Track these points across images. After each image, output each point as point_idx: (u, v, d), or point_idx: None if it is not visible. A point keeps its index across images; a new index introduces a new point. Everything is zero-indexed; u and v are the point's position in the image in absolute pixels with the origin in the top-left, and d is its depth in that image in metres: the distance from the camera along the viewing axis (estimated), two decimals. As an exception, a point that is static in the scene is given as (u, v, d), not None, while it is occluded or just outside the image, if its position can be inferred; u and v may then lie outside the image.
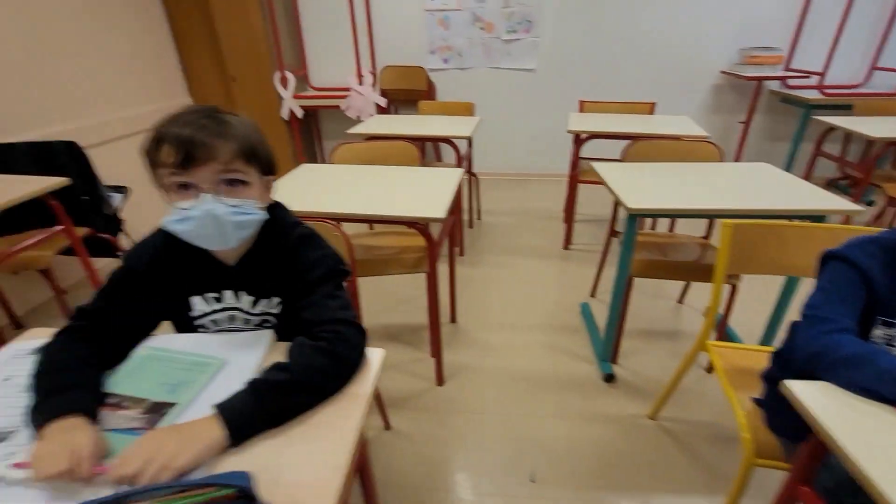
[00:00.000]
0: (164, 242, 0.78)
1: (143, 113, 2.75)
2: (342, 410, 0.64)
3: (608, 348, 1.75)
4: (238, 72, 3.26)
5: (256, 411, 0.60)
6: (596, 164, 1.72)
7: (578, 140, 2.48)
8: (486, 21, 3.46)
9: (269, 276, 0.80)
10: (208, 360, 0.73)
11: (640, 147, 1.95)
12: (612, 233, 2.03)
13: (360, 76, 3.35)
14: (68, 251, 1.85)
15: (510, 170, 3.95)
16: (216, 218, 0.69)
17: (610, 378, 1.71)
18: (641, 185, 1.53)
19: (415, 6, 3.45)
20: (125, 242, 2.20)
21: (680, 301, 2.19)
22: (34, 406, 0.61)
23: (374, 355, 0.74)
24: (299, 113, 3.41)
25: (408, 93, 3.56)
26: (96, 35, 2.50)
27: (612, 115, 2.76)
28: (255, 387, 0.62)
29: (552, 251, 2.73)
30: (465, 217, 2.96)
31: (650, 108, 2.78)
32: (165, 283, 0.78)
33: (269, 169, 0.79)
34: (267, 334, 0.79)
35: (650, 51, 3.41)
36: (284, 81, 3.32)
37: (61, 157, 1.95)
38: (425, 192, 1.50)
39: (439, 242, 1.55)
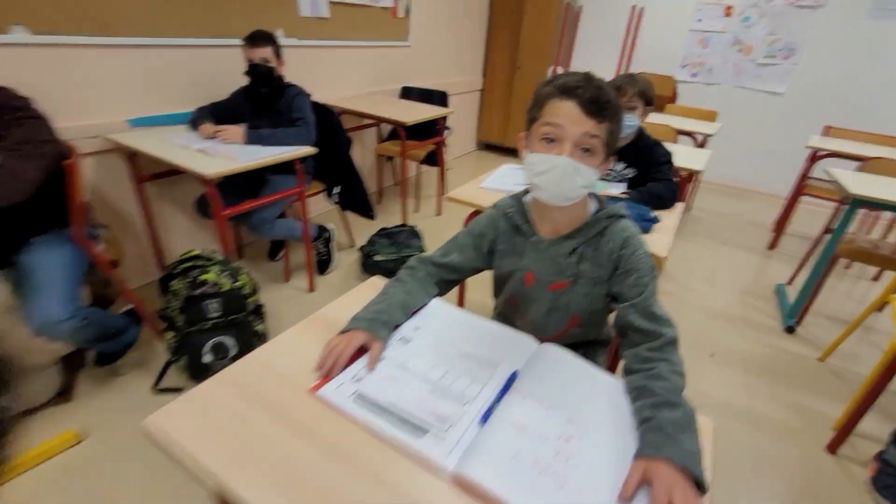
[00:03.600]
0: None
1: (456, 82, 4.05)
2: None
3: (796, 309, 2.22)
4: (523, 62, 4.34)
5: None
6: (832, 169, 2.17)
7: (813, 158, 2.83)
8: (746, 45, 3.85)
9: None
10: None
11: (880, 164, 2.30)
12: (826, 230, 2.42)
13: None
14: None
15: (729, 181, 4.27)
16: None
17: (791, 330, 2.19)
18: (867, 182, 1.96)
19: (682, 26, 4.04)
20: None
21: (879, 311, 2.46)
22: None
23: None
24: (558, 99, 4.37)
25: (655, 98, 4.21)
26: (458, 19, 3.84)
27: (857, 142, 2.98)
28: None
29: (756, 249, 3.13)
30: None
31: (904, 144, 2.90)
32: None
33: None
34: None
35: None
36: (554, 73, 4.29)
37: (435, 98, 3.22)
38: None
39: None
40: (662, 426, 0.60)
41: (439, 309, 0.89)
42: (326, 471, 0.57)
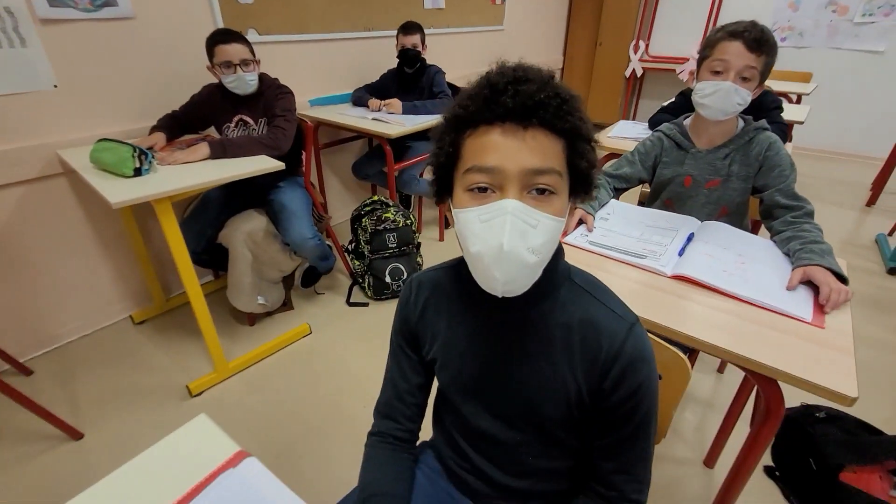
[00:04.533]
0: None
1: (539, 63, 4.33)
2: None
3: (898, 253, 2.34)
4: (604, 39, 4.53)
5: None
6: None
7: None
8: (841, 4, 3.80)
9: None
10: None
11: None
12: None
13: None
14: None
15: (824, 146, 4.23)
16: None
17: (893, 271, 2.32)
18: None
19: (770, -10, 4.05)
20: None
21: None
22: None
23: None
24: (640, 72, 4.51)
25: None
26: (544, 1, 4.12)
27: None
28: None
29: (854, 206, 3.18)
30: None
31: None
32: None
33: None
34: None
35: None
36: (636, 48, 4.44)
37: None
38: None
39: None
40: (813, 249, 0.91)
41: (619, 204, 1.25)
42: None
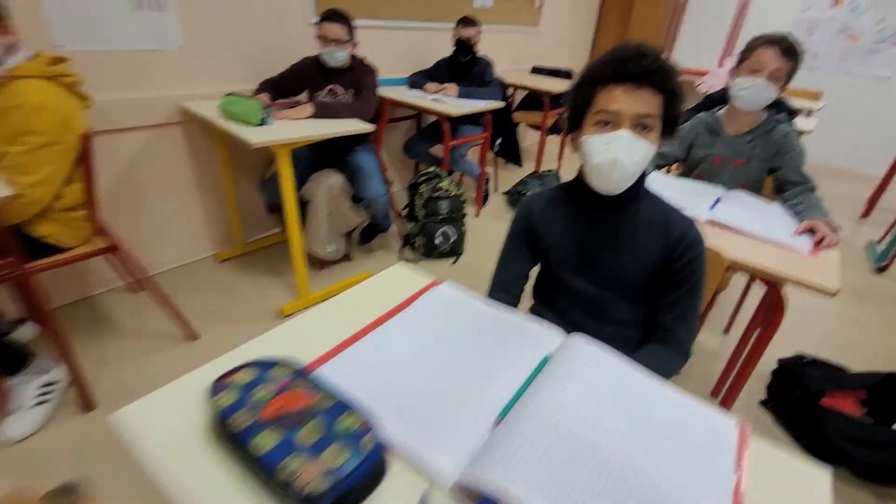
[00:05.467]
0: None
1: (568, 65, 4.60)
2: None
3: (884, 256, 2.63)
4: (630, 47, 4.82)
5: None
6: None
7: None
8: (854, 31, 4.11)
9: None
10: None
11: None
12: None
13: (721, 61, 4.51)
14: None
15: (824, 162, 4.52)
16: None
17: (881, 270, 2.61)
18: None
19: (787, 14, 4.35)
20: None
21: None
22: None
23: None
24: (661, 81, 4.81)
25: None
26: (575, 6, 4.41)
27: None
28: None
29: (850, 216, 3.48)
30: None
31: None
32: None
33: None
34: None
35: None
36: (659, 58, 4.74)
37: (562, 75, 3.81)
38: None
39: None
40: (816, 209, 1.20)
41: (660, 176, 1.53)
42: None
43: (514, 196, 3.03)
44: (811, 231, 1.17)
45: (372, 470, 0.46)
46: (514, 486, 0.44)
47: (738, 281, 2.09)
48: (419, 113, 3.01)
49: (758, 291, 1.61)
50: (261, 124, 1.64)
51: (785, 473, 0.55)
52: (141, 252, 2.02)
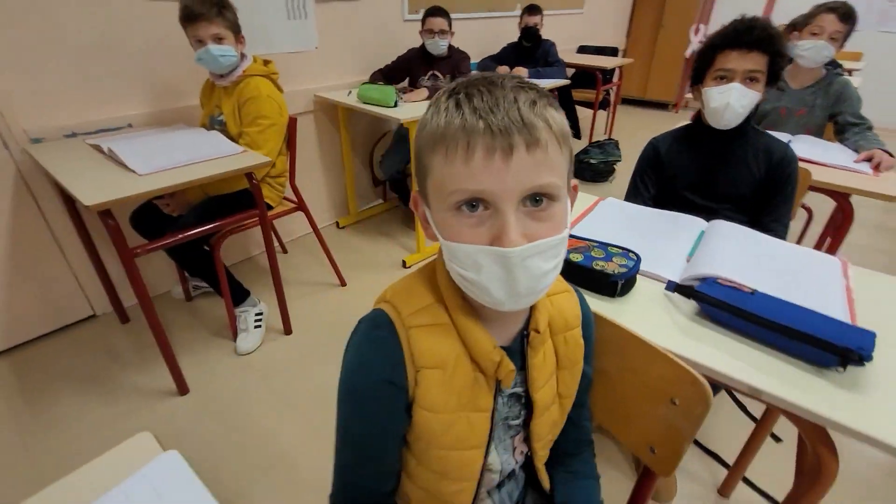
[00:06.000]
0: None
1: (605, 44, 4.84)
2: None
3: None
4: (667, 21, 5.02)
5: None
6: None
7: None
8: (893, -9, 4.21)
9: None
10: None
11: None
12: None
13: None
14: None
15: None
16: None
17: (926, 213, 2.83)
18: None
19: (826, -22, 4.47)
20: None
21: None
22: None
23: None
24: (699, 53, 4.99)
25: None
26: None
27: None
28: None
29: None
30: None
31: None
32: None
33: None
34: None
35: None
36: (697, 30, 4.92)
37: (607, 52, 4.07)
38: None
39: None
40: (876, 141, 1.50)
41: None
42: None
43: (576, 165, 3.34)
44: (870, 159, 1.47)
45: (637, 269, 0.82)
46: (712, 269, 0.79)
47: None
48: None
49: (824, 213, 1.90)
50: (395, 106, 2.01)
51: (878, 284, 0.87)
52: (279, 222, 2.44)
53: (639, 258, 0.80)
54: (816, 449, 0.63)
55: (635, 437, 0.64)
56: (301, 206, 1.84)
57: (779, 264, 0.87)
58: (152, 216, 1.61)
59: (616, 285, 0.77)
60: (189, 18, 1.42)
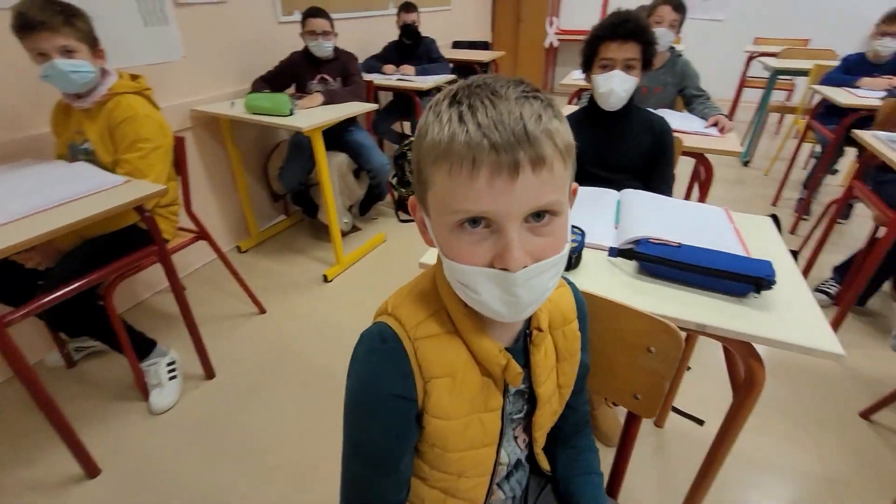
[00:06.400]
0: None
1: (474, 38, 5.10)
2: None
3: (747, 153, 3.54)
4: (525, 15, 5.45)
5: None
6: (761, 59, 3.45)
7: (749, 60, 4.14)
8: (692, -15, 5.11)
9: None
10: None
11: (790, 52, 3.62)
12: (759, 103, 3.74)
13: (600, 20, 5.32)
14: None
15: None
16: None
17: (746, 164, 3.53)
18: (779, 63, 3.27)
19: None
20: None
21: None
22: None
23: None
24: (556, 44, 5.52)
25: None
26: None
27: (774, 46, 4.32)
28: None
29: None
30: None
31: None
32: None
33: None
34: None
35: None
36: (551, 23, 5.43)
37: (479, 46, 4.30)
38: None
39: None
40: (717, 109, 1.82)
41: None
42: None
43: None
44: (716, 124, 1.78)
45: (583, 242, 0.89)
46: (642, 232, 0.91)
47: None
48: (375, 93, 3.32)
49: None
50: (290, 114, 1.89)
51: (752, 223, 1.08)
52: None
53: (583, 232, 0.88)
54: (747, 362, 0.76)
55: (620, 389, 0.72)
56: (203, 233, 1.65)
57: (682, 219, 1.02)
58: (11, 274, 1.31)
59: (571, 259, 0.84)
60: (26, 28, 1.17)
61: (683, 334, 0.64)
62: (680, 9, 1.92)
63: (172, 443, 1.40)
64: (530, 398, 0.60)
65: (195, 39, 2.03)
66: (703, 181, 1.71)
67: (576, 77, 2.77)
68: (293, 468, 1.33)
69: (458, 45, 4.39)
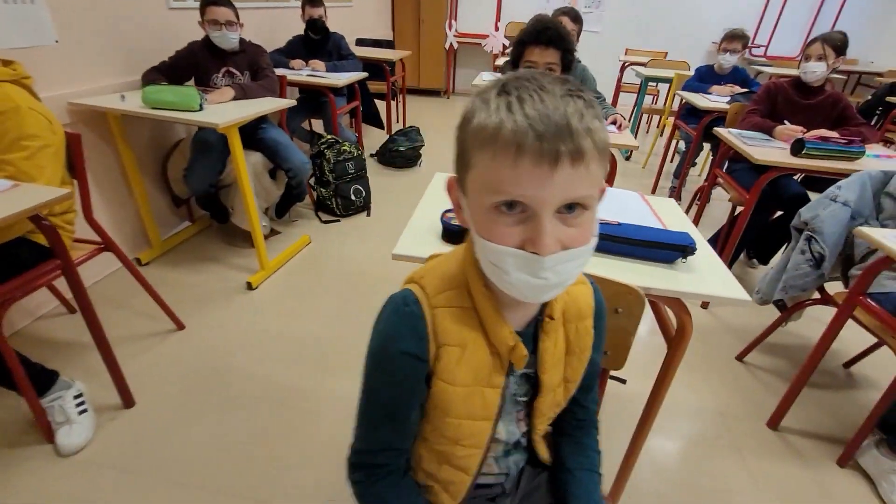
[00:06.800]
0: None
1: (378, 36, 5.10)
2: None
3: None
4: (425, 17, 5.56)
5: None
6: (633, 67, 3.98)
7: (623, 68, 4.73)
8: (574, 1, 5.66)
9: None
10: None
11: (655, 62, 4.22)
12: (633, 106, 4.32)
13: (496, 26, 5.63)
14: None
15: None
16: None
17: (627, 158, 4.04)
18: (648, 72, 3.82)
19: (530, -14, 5.67)
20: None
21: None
22: None
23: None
24: (455, 45, 5.72)
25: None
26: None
27: (642, 56, 5.00)
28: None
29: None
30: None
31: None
32: None
33: None
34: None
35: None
36: (450, 25, 5.61)
37: (384, 45, 4.31)
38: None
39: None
40: (612, 110, 2.07)
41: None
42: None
43: (385, 155, 3.48)
44: (614, 122, 2.04)
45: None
46: None
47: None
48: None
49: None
50: (200, 109, 1.73)
51: (661, 204, 1.28)
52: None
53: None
54: (680, 316, 0.92)
55: (589, 350, 0.82)
56: (109, 243, 1.44)
57: (610, 203, 1.18)
58: None
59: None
60: None
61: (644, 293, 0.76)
62: (577, 20, 2.15)
63: (91, 486, 1.22)
64: (536, 384, 0.64)
65: (70, 22, 1.75)
66: (608, 173, 1.95)
67: (485, 78, 2.94)
68: (248, 492, 1.24)
69: (361, 42, 4.33)
